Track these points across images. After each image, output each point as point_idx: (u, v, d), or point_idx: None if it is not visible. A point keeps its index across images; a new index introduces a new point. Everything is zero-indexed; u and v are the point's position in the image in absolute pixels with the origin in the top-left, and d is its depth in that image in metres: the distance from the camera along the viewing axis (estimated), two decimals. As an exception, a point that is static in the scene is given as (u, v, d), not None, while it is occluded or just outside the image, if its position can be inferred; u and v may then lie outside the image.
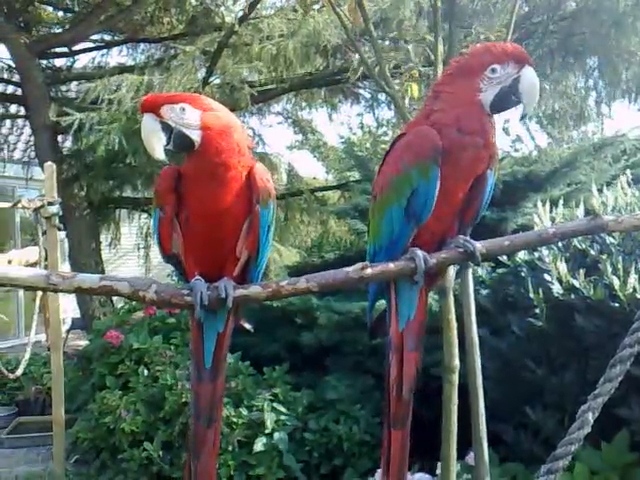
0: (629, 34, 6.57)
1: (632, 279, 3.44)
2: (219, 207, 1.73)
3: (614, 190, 4.34)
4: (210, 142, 1.71)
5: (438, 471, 3.88)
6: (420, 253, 1.73)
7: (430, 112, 1.82)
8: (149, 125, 1.74)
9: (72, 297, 9.36)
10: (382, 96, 9.87)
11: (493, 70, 1.74)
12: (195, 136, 1.72)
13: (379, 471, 1.99)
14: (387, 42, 7.19)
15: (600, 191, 4.25)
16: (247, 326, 2.04)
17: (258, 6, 7.83)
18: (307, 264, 6.99)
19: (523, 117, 1.82)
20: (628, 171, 4.59)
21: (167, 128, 1.73)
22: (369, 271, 1.69)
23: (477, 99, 1.75)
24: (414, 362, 1.88)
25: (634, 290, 3.43)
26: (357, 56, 4.54)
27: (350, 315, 5.12)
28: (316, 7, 7.94)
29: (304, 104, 10.99)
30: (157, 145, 1.73)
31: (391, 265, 1.73)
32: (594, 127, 9.28)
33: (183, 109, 1.72)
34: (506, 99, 1.77)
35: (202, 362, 1.87)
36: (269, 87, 8.79)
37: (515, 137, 8.61)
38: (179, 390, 4.71)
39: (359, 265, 1.69)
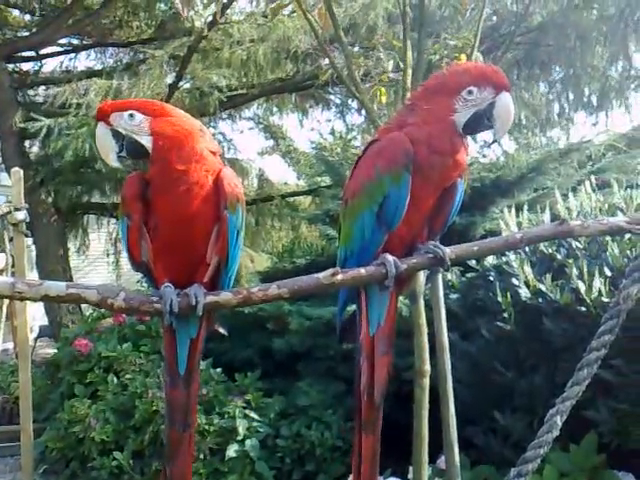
0: (593, 48, 6.71)
1: (597, 283, 3.50)
2: (186, 213, 1.72)
3: (579, 195, 4.41)
4: (162, 147, 1.70)
5: (410, 475, 3.90)
6: (391, 258, 1.74)
7: (403, 123, 1.82)
8: (100, 133, 1.75)
9: (40, 304, 9.21)
10: (352, 102, 9.93)
11: (470, 92, 1.74)
12: (146, 142, 1.71)
13: (351, 477, 1.99)
14: (357, 48, 7.24)
15: (565, 196, 4.32)
16: (221, 331, 2.04)
17: (228, 11, 7.82)
18: (278, 269, 6.96)
19: (493, 142, 1.84)
20: (592, 177, 4.68)
21: (119, 135, 1.73)
22: (340, 277, 1.70)
23: (451, 119, 1.75)
24: (385, 366, 1.88)
25: (600, 294, 3.48)
26: (327, 61, 4.55)
27: (322, 320, 5.13)
28: (286, 12, 7.95)
29: (275, 109, 11.01)
30: (110, 153, 1.74)
31: (362, 271, 1.74)
32: (560, 133, 9.44)
33: (131, 115, 1.71)
34: (479, 122, 1.77)
35: (176, 369, 1.86)
36: (239, 92, 8.79)
37: (482, 143, 8.71)
38: (149, 398, 4.67)
39: (330, 271, 1.69)
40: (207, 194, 1.74)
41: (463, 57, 3.76)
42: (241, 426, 4.64)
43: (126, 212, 1.78)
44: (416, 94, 1.90)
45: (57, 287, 1.60)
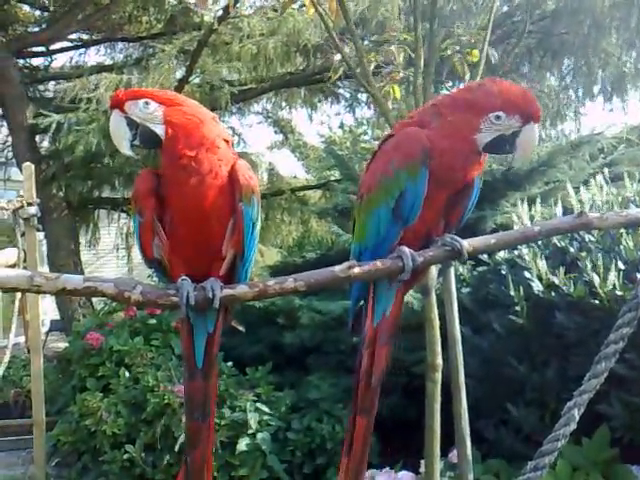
0: (607, 35, 6.66)
1: (612, 276, 3.48)
2: (200, 205, 1.70)
3: (591, 188, 4.39)
4: (174, 136, 1.69)
5: (422, 469, 3.91)
6: (408, 251, 1.73)
7: (425, 124, 1.80)
8: (114, 121, 1.73)
9: (51, 299, 9.26)
10: (362, 96, 9.90)
11: (498, 117, 1.71)
12: (159, 130, 1.70)
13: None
14: (367, 43, 7.22)
15: (577, 189, 4.30)
16: (239, 327, 2.04)
17: (238, 5, 7.81)
18: (288, 264, 6.97)
19: (509, 169, 1.83)
20: (605, 169, 4.65)
21: (133, 124, 1.72)
22: (356, 270, 1.69)
23: (473, 138, 1.72)
24: (385, 356, 1.91)
25: (614, 287, 3.47)
26: (338, 55, 4.53)
27: (332, 315, 5.13)
28: (296, 6, 7.93)
29: (284, 104, 10.98)
30: (123, 141, 1.73)
31: (379, 264, 1.73)
32: (572, 126, 9.39)
33: (146, 103, 1.70)
34: (500, 146, 1.75)
35: (194, 362, 1.86)
36: (249, 86, 8.77)
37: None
38: (161, 392, 4.68)
39: (346, 264, 1.69)
40: (221, 185, 1.72)
41: (475, 53, 3.75)
42: (252, 419, 4.65)
43: (138, 209, 1.77)
44: (444, 100, 1.85)
45: (74, 280, 1.60)
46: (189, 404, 1.90)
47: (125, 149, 1.74)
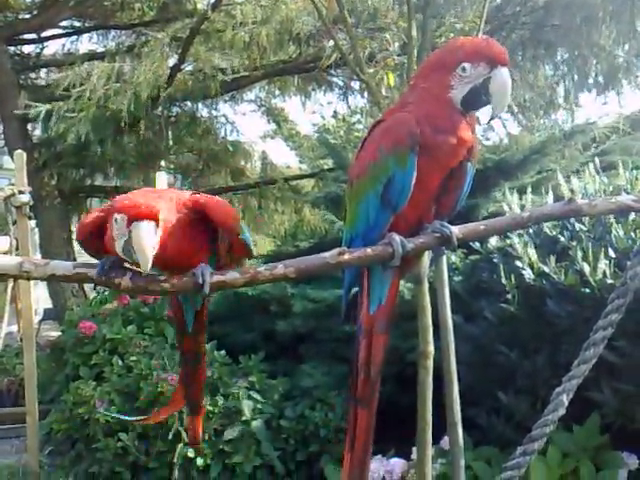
0: (599, 28, 6.65)
1: (602, 265, 3.50)
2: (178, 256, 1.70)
3: (583, 177, 4.40)
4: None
5: (413, 456, 3.93)
6: (397, 238, 1.73)
7: (405, 104, 1.81)
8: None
9: (44, 287, 9.25)
10: (355, 84, 9.87)
11: (464, 69, 1.69)
12: None
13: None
14: (361, 30, 7.19)
15: (569, 178, 4.31)
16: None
17: (230, -8, 7.77)
18: (282, 252, 6.98)
19: (491, 119, 1.81)
20: (596, 159, 4.66)
21: None
22: (347, 256, 1.69)
23: (447, 96, 1.72)
24: (382, 345, 1.90)
25: (604, 275, 3.48)
26: (331, 43, 4.53)
27: (325, 303, 5.14)
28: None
29: (277, 92, 10.94)
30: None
31: (369, 250, 1.73)
32: (564, 115, 9.39)
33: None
34: (476, 99, 1.72)
35: (185, 327, 2.04)
36: (242, 74, 8.73)
37: (486, 126, 8.67)
38: (154, 380, 4.69)
39: (336, 250, 1.69)
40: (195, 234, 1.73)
41: (469, 39, 3.73)
42: (245, 407, 4.67)
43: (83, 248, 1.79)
44: (417, 73, 1.88)
45: (64, 266, 1.60)
46: (185, 358, 2.18)
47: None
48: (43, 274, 1.58)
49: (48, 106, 7.42)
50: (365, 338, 1.89)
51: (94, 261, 1.67)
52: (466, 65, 1.70)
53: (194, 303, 1.98)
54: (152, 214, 1.53)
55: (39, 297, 9.57)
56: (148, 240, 1.52)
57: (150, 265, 1.54)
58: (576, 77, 7.84)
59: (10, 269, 1.55)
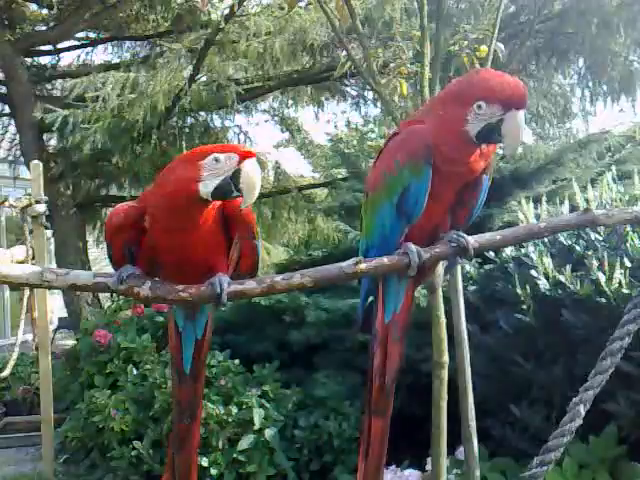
0: (615, 35, 6.63)
1: (618, 274, 3.48)
2: (194, 254, 1.75)
3: (599, 186, 4.38)
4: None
5: (428, 466, 3.91)
6: (414, 248, 1.74)
7: (422, 121, 1.82)
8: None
9: (59, 296, 9.31)
10: (369, 94, 9.89)
11: (479, 106, 1.70)
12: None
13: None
14: (374, 41, 7.22)
15: (584, 188, 4.29)
16: None
17: (244, 3, 7.82)
18: (295, 262, 6.97)
19: (502, 157, 1.81)
20: (613, 167, 4.64)
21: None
22: (363, 266, 1.70)
23: (462, 129, 1.72)
24: (398, 353, 1.91)
25: (620, 285, 3.46)
26: (344, 53, 4.54)
27: (339, 313, 5.13)
28: (302, 4, 7.93)
29: (291, 102, 10.98)
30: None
31: (385, 260, 1.74)
32: (579, 124, 9.37)
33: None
34: (491, 135, 1.73)
35: (182, 367, 1.92)
36: (256, 85, 8.78)
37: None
38: (168, 389, 4.70)
39: (353, 260, 1.70)
40: (215, 229, 1.77)
41: (483, 48, 3.73)
42: (258, 416, 4.66)
43: (108, 241, 1.78)
44: (437, 96, 1.89)
45: (84, 276, 1.63)
46: (178, 407, 1.98)
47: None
48: (64, 284, 1.60)
49: (65, 112, 7.49)
50: (380, 347, 1.90)
51: (113, 271, 1.69)
52: (482, 103, 1.70)
53: (194, 330, 1.91)
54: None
55: (54, 306, 9.63)
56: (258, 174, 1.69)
57: (254, 198, 1.68)
58: (590, 85, 7.83)
59: (32, 278, 1.57)
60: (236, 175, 1.65)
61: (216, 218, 1.74)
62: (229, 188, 1.66)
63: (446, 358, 3.36)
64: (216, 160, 1.64)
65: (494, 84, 1.71)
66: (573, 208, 4.16)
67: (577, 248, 3.92)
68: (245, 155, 1.66)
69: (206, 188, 1.64)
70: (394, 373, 1.90)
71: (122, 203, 1.80)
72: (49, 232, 7.66)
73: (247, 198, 1.68)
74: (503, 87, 1.70)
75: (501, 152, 1.81)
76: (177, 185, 1.64)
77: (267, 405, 4.79)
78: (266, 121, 12.14)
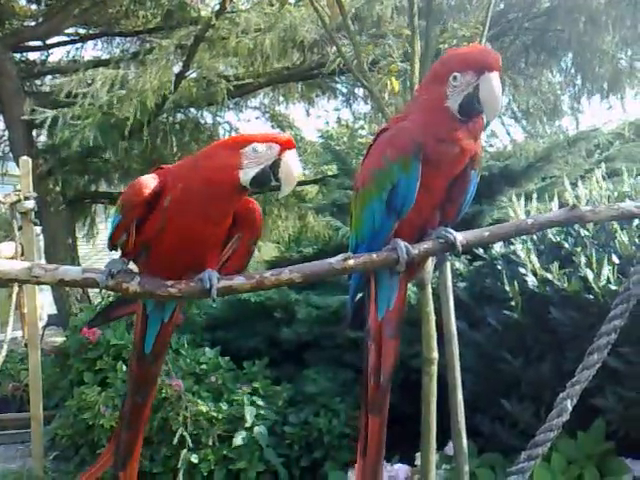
0: (603, 32, 6.66)
1: (606, 271, 3.50)
2: (198, 238, 1.74)
3: (589, 183, 4.40)
4: None
5: (417, 461, 3.93)
6: (402, 244, 1.75)
7: (409, 113, 1.85)
8: None
9: (48, 293, 9.27)
10: (359, 90, 9.90)
11: (455, 78, 1.73)
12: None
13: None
14: (364, 37, 7.22)
15: (574, 185, 4.31)
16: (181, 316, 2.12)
17: (235, 0, 7.81)
18: (285, 259, 6.98)
19: (486, 125, 1.83)
20: (602, 165, 4.66)
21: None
22: (352, 262, 1.71)
23: (444, 106, 1.74)
24: (393, 350, 1.91)
25: (608, 282, 3.49)
26: (334, 50, 4.55)
27: (329, 309, 5.14)
28: (292, 1, 7.94)
29: (281, 99, 10.96)
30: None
31: (374, 256, 1.75)
32: (569, 122, 9.41)
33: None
34: (471, 106, 1.74)
35: (142, 348, 1.95)
36: (246, 81, 8.76)
37: (490, 132, 8.70)
38: (158, 385, 4.69)
39: (342, 256, 1.71)
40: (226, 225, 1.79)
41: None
42: (249, 413, 4.67)
43: (124, 212, 1.73)
44: (420, 84, 1.92)
45: (73, 271, 1.62)
46: (134, 386, 2.00)
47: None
48: (53, 279, 1.60)
49: (54, 112, 7.46)
50: (374, 343, 1.91)
51: (102, 267, 1.69)
52: (457, 74, 1.73)
53: (162, 313, 1.91)
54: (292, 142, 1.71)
55: (43, 302, 9.59)
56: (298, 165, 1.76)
57: (292, 188, 1.77)
58: (580, 82, 7.87)
59: (20, 274, 1.57)
60: (276, 164, 1.69)
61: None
62: (268, 177, 1.69)
63: (436, 354, 3.38)
64: (256, 149, 1.68)
65: (463, 53, 1.78)
66: (562, 205, 4.18)
67: (566, 245, 3.94)
68: (286, 146, 1.69)
69: (246, 176, 1.68)
70: (390, 370, 1.91)
71: (144, 176, 1.74)
72: (38, 228, 7.63)
73: (285, 188, 1.73)
74: (473, 54, 1.76)
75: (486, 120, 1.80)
76: (219, 171, 1.66)
77: (259, 402, 4.79)
78: (257, 118, 12.10)
